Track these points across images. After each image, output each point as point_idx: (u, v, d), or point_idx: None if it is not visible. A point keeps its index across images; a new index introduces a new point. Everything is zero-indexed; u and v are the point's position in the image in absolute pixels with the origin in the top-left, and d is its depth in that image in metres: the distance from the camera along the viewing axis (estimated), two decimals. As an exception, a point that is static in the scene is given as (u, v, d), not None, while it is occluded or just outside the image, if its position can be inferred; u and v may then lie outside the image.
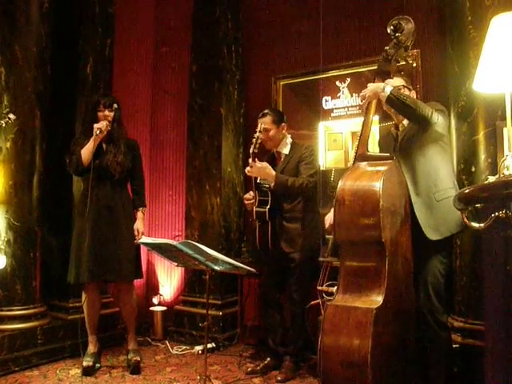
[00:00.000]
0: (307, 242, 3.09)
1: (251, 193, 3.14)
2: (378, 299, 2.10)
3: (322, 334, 2.14)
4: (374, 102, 2.46)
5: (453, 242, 2.67)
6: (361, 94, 2.51)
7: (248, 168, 3.01)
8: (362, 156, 2.43)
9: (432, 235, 2.37)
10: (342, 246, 2.31)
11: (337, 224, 2.26)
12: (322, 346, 2.12)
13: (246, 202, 3.18)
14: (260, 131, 2.98)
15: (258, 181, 3.10)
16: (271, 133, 3.16)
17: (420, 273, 2.42)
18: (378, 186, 2.17)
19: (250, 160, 2.97)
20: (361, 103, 2.56)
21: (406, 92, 2.55)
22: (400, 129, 2.62)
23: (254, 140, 2.97)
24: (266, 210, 3.03)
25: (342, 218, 2.24)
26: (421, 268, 2.41)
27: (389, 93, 2.35)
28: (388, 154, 2.44)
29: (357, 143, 2.47)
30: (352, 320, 2.08)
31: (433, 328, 2.38)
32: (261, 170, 2.98)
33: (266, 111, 3.22)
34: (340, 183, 2.29)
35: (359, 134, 2.49)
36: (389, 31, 2.49)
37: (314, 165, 3.16)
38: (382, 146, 2.81)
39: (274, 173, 3.00)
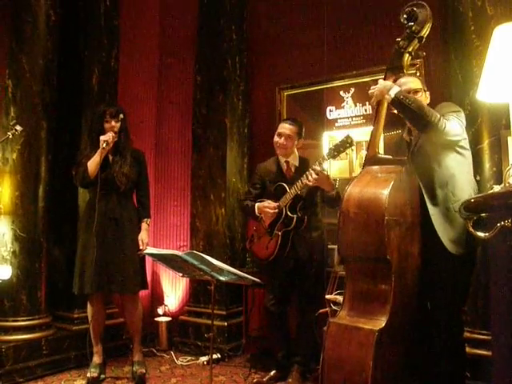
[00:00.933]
0: (320, 252, 3.09)
1: (271, 202, 3.08)
2: (381, 319, 2.01)
3: (324, 351, 2.08)
4: (385, 102, 2.34)
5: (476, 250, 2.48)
6: (369, 92, 2.39)
7: (315, 176, 2.80)
8: (372, 159, 2.30)
9: (453, 249, 2.20)
10: (346, 261, 2.21)
11: (340, 238, 2.15)
12: (323, 363, 2.07)
13: (271, 211, 3.06)
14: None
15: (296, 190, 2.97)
16: (290, 142, 3.11)
17: (441, 285, 2.26)
18: (383, 196, 2.03)
19: (318, 168, 2.81)
20: (365, 112, 2.48)
21: (422, 96, 2.43)
22: (413, 134, 2.48)
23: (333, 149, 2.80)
24: (294, 216, 3.01)
25: (345, 231, 2.13)
26: (442, 280, 2.24)
27: (393, 96, 2.23)
28: (400, 158, 2.31)
29: (366, 145, 2.36)
30: (354, 340, 2.00)
31: (449, 344, 2.27)
32: (328, 178, 2.91)
33: (292, 120, 3.19)
34: (346, 191, 2.17)
35: (370, 135, 2.38)
36: (402, 20, 2.31)
37: None
38: (391, 154, 2.63)
39: (332, 181, 2.96)
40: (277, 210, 3.06)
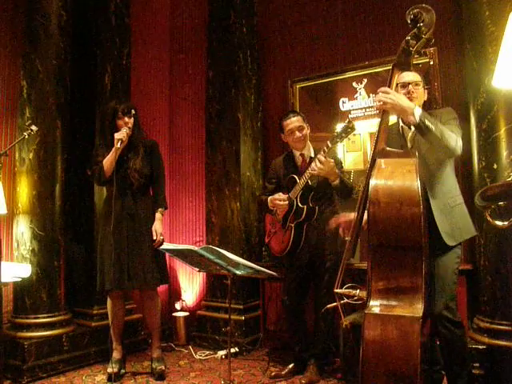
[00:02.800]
0: (337, 243, 3.08)
1: (282, 194, 3.10)
2: (418, 306, 2.02)
3: (363, 344, 2.05)
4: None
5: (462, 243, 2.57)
6: (379, 97, 2.26)
7: (319, 165, 2.82)
8: (382, 152, 2.29)
9: (449, 241, 2.34)
10: (375, 250, 2.19)
11: (371, 227, 2.14)
12: (363, 357, 2.03)
13: (281, 202, 3.08)
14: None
15: (306, 180, 2.98)
16: (305, 131, 3.14)
17: (437, 272, 2.37)
18: (416, 187, 2.07)
19: (322, 157, 2.81)
20: (376, 104, 2.41)
21: (421, 90, 2.46)
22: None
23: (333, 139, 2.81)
24: (305, 207, 3.02)
25: (377, 220, 2.12)
26: (437, 268, 2.37)
27: (418, 120, 2.17)
28: (406, 151, 2.33)
29: (375, 139, 2.31)
30: (396, 329, 2.00)
31: (448, 328, 2.32)
32: (332, 167, 2.87)
33: (291, 112, 3.21)
34: (371, 182, 2.15)
35: (377, 129, 2.32)
36: (408, 21, 2.30)
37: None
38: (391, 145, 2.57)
39: (337, 170, 2.93)
40: (287, 202, 3.07)
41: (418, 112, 2.18)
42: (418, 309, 2.01)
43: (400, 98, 2.23)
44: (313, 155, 3.15)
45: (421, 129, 2.20)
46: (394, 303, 2.09)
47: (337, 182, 2.92)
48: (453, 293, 2.36)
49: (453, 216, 2.36)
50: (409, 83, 2.43)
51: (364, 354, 2.04)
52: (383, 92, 2.22)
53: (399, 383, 1.94)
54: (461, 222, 2.37)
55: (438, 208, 2.35)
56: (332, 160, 2.86)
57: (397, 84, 2.37)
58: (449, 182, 2.41)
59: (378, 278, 2.16)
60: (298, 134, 3.11)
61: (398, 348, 1.98)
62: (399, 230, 2.09)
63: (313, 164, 2.86)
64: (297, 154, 3.21)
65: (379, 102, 2.24)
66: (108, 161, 3.07)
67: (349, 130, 2.75)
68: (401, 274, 2.11)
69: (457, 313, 2.38)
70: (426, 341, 2.32)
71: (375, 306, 2.11)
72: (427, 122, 2.17)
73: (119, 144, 3.01)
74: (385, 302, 2.11)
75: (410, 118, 2.20)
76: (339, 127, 2.85)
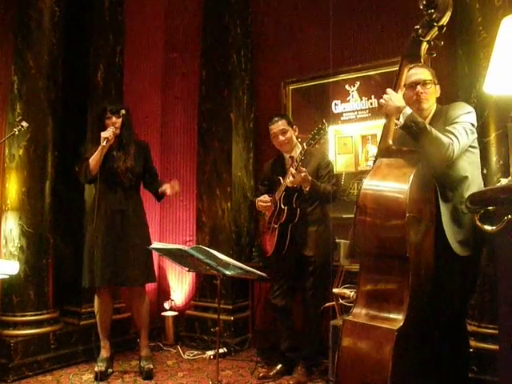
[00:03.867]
0: (325, 246, 3.09)
1: (266, 196, 3.18)
2: (399, 317, 1.97)
3: (339, 350, 2.04)
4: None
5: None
6: (380, 101, 2.26)
7: (291, 179, 2.89)
8: (386, 151, 2.21)
9: (461, 251, 2.15)
10: (362, 257, 2.17)
11: (357, 233, 2.10)
12: (339, 363, 2.03)
13: (264, 204, 3.17)
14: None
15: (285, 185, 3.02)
16: (288, 134, 3.17)
17: (448, 283, 2.22)
18: (404, 192, 1.98)
19: (294, 170, 2.88)
20: (371, 106, 2.37)
21: (431, 88, 2.31)
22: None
23: (302, 149, 2.89)
24: (285, 208, 3.04)
25: (362, 226, 2.08)
26: (449, 279, 2.20)
27: (403, 122, 2.13)
28: (412, 150, 2.20)
29: (380, 136, 2.26)
30: (372, 339, 1.97)
31: (456, 335, 2.28)
32: (304, 177, 2.88)
33: (276, 116, 3.25)
34: (363, 185, 2.10)
35: (383, 126, 2.29)
36: (421, 7, 2.15)
37: (333, 173, 3.21)
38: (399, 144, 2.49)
39: (310, 178, 2.94)
40: (269, 204, 3.13)
41: (405, 114, 2.13)
42: (396, 321, 1.97)
43: (392, 99, 2.18)
44: (302, 157, 3.14)
45: (408, 131, 2.14)
46: (374, 313, 2.05)
47: (307, 188, 2.93)
48: (466, 298, 2.29)
49: (466, 223, 2.16)
50: (416, 83, 2.28)
51: (339, 359, 2.03)
52: (382, 100, 2.21)
53: None
54: (476, 230, 2.11)
55: (447, 212, 2.17)
56: (304, 169, 2.88)
57: (404, 84, 2.27)
58: (465, 185, 2.19)
59: (364, 285, 2.13)
60: (281, 137, 3.16)
61: (370, 358, 1.96)
62: (384, 238, 2.03)
63: (287, 175, 2.93)
64: (286, 156, 3.24)
65: (381, 107, 2.24)
66: (94, 159, 3.07)
67: (321, 131, 2.80)
68: (386, 283, 2.07)
69: (465, 319, 2.35)
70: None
71: (357, 313, 2.09)
72: (413, 126, 2.10)
73: (105, 142, 3.01)
74: (365, 311, 2.08)
75: (396, 122, 2.18)
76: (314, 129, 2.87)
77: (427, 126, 2.14)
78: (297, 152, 3.18)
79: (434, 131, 2.12)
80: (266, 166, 3.43)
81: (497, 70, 1.93)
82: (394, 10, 3.53)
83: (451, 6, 2.14)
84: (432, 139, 2.09)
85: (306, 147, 2.85)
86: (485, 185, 2.53)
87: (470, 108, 2.29)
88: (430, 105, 2.33)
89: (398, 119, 2.24)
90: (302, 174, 2.87)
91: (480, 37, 2.75)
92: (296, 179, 2.88)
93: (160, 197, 3.34)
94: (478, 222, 1.73)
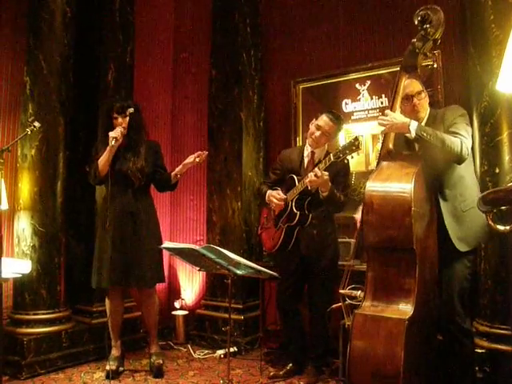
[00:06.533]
0: (332, 247, 3.08)
1: (281, 193, 3.08)
2: (408, 308, 2.05)
3: (350, 343, 2.09)
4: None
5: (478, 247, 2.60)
6: (378, 122, 2.36)
7: (313, 178, 2.75)
8: (387, 155, 2.34)
9: (461, 247, 2.30)
10: (370, 252, 2.24)
11: (365, 229, 2.20)
12: (350, 355, 2.07)
13: (277, 202, 3.07)
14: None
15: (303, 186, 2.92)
16: (325, 139, 3.03)
17: (444, 278, 2.35)
18: (408, 189, 2.10)
19: (319, 171, 2.74)
20: (381, 105, 2.48)
21: (425, 97, 2.45)
22: None
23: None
24: (298, 213, 2.98)
25: (370, 223, 2.18)
26: (445, 273, 2.35)
27: (414, 134, 2.24)
28: (412, 153, 2.35)
29: (381, 141, 2.38)
30: (383, 330, 2.03)
31: (455, 335, 2.31)
32: (325, 180, 2.78)
33: (337, 116, 3.07)
34: (368, 185, 2.22)
35: (382, 139, 2.42)
36: (416, 22, 2.32)
37: (350, 182, 3.17)
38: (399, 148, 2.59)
39: (330, 184, 2.84)
40: (282, 203, 3.06)
41: (413, 127, 2.24)
42: (406, 311, 2.04)
43: (395, 118, 2.30)
44: (322, 158, 3.00)
45: (421, 140, 2.25)
46: (384, 305, 2.13)
47: (326, 193, 2.85)
48: (462, 297, 2.32)
49: (465, 220, 2.31)
50: (412, 95, 2.41)
51: (351, 352, 2.08)
52: (381, 117, 2.34)
53: (382, 382, 1.97)
54: (475, 227, 2.31)
55: (447, 211, 2.32)
56: (327, 173, 2.77)
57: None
58: (463, 185, 2.36)
59: (372, 280, 2.21)
60: (314, 130, 3.02)
61: (381, 349, 2.01)
62: (391, 233, 2.13)
63: (309, 175, 2.79)
64: (308, 150, 3.14)
65: (381, 126, 2.35)
66: (102, 160, 3.05)
67: (353, 147, 2.58)
68: (394, 276, 2.15)
69: (466, 319, 2.35)
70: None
71: (367, 306, 2.16)
72: (425, 135, 2.22)
73: (113, 142, 2.96)
74: (376, 304, 2.15)
75: (408, 136, 2.28)
76: (345, 142, 2.79)
77: (436, 131, 2.26)
78: (322, 152, 3.08)
79: (444, 134, 2.25)
80: (284, 154, 3.31)
81: (509, 68, 1.91)
82: (404, 9, 3.50)
83: (444, 23, 2.32)
84: (444, 142, 2.21)
85: (332, 159, 2.68)
86: (497, 184, 2.56)
87: (464, 110, 2.44)
88: (425, 111, 2.47)
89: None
90: (325, 177, 2.76)
91: (492, 34, 2.73)
92: (318, 180, 2.75)
93: (173, 185, 3.24)
94: (490, 222, 1.72)
